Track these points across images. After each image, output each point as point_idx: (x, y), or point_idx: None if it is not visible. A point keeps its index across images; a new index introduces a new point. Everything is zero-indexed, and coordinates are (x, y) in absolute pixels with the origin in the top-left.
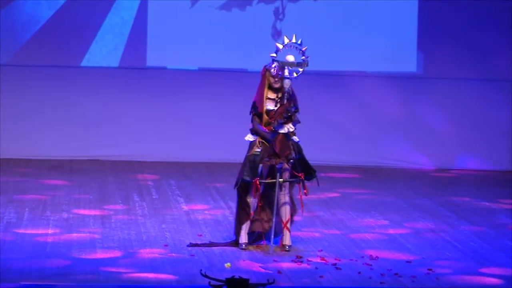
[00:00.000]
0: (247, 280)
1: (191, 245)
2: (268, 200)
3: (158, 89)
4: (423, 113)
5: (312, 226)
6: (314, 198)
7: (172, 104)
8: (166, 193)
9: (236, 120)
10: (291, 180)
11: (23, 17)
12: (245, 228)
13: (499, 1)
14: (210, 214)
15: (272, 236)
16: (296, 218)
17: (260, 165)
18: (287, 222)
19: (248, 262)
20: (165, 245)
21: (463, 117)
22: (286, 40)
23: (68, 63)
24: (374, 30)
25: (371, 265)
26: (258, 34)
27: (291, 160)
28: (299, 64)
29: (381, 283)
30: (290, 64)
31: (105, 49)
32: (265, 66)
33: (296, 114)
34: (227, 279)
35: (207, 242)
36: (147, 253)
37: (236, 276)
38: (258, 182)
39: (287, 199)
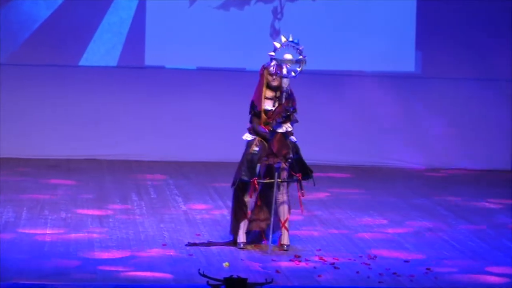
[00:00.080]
0: (245, 279)
1: (189, 244)
2: (265, 199)
3: (156, 88)
4: (421, 112)
5: (311, 226)
6: (313, 198)
7: (170, 103)
8: (164, 192)
9: (234, 120)
10: (288, 180)
11: (21, 16)
12: (243, 228)
13: (498, 1)
14: (208, 213)
15: (271, 236)
16: (294, 217)
17: (258, 165)
18: (285, 221)
19: (246, 262)
20: (163, 245)
21: (461, 116)
22: (283, 39)
23: (66, 62)
24: (372, 29)
25: (369, 264)
26: (257, 34)
27: (289, 160)
28: (297, 61)
29: (379, 282)
30: (289, 61)
31: (103, 48)
32: (263, 65)
33: (294, 114)
34: (225, 279)
35: (205, 241)
36: (145, 252)
37: (234, 276)
38: (256, 182)
39: (285, 198)
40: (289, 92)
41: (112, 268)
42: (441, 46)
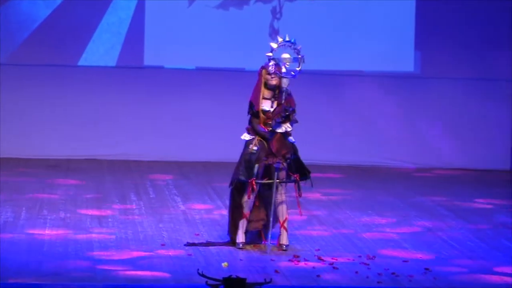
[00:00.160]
0: (244, 279)
1: (188, 244)
2: (263, 199)
3: (155, 88)
4: (420, 112)
5: (309, 226)
6: (311, 198)
7: (170, 103)
8: (163, 192)
9: (233, 120)
10: (286, 181)
11: (20, 16)
12: (242, 228)
13: (497, 1)
14: (207, 213)
15: (270, 236)
16: (293, 217)
17: (256, 165)
18: (284, 221)
19: (245, 262)
20: (162, 244)
21: (460, 116)
22: (279, 40)
23: (65, 62)
24: (371, 29)
25: (368, 264)
26: (256, 34)
27: (288, 160)
28: (295, 60)
29: (378, 282)
30: (287, 60)
31: (102, 48)
32: (262, 66)
33: (293, 114)
34: (224, 279)
35: (204, 241)
36: (144, 252)
37: (233, 276)
38: (254, 182)
39: (283, 198)
40: (289, 92)
41: (111, 268)
42: (440, 46)
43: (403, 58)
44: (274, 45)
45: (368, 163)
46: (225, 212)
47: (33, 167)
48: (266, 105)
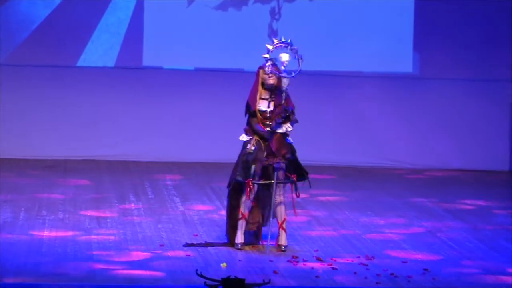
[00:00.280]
0: (243, 280)
1: (187, 245)
2: (260, 200)
3: (154, 89)
4: (419, 113)
5: (308, 226)
6: (310, 198)
7: (168, 104)
8: (162, 193)
9: (232, 120)
10: (283, 181)
11: (19, 16)
12: (240, 228)
13: (496, 1)
14: (206, 214)
15: (269, 236)
16: (292, 218)
17: (253, 166)
18: (282, 222)
19: (244, 262)
20: (161, 245)
21: (459, 117)
22: (275, 41)
23: (64, 62)
24: (370, 30)
25: (367, 265)
26: (255, 34)
27: (287, 160)
28: (294, 58)
29: (377, 283)
30: (285, 60)
31: (101, 49)
32: (259, 66)
33: (293, 115)
34: (223, 279)
35: (203, 242)
36: (143, 253)
37: (232, 276)
38: (250, 183)
39: (282, 199)
40: (287, 92)
41: (110, 268)
42: (439, 47)
43: (402, 59)
44: (269, 47)
45: (367, 164)
46: (223, 212)
47: (32, 167)
48: (263, 105)
